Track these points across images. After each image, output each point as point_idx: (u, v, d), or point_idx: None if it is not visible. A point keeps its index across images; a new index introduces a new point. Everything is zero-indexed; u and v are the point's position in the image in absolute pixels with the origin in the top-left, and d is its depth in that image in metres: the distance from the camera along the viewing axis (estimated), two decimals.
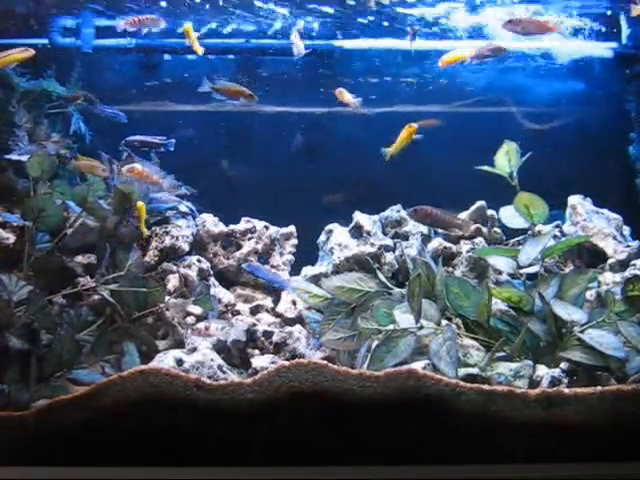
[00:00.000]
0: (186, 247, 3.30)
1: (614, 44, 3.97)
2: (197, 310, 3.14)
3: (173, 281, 3.19)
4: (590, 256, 3.31)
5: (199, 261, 3.30)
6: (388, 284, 2.94)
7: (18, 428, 2.25)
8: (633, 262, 3.16)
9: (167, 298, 3.10)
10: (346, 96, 3.29)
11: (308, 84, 3.58)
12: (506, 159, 3.05)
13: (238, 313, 3.23)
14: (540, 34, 3.23)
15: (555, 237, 3.28)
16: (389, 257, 3.25)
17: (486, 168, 3.07)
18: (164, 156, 3.37)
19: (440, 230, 3.21)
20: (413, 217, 3.06)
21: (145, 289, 2.97)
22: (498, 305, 2.85)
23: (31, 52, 3.02)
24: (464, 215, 3.45)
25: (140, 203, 3.04)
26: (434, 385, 2.21)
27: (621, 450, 2.22)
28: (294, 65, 3.70)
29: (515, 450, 2.23)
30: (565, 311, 2.65)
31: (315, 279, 3.18)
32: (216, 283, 3.31)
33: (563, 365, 2.57)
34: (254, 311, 3.26)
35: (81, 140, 3.57)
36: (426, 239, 3.37)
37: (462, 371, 2.49)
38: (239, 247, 3.43)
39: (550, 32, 3.20)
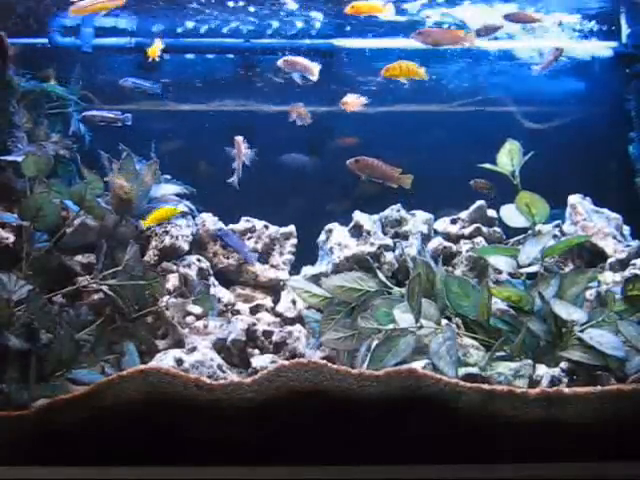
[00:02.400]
0: (186, 246, 3.30)
1: (614, 43, 3.96)
2: (197, 310, 3.14)
3: (173, 280, 3.19)
4: (590, 256, 3.31)
5: (199, 260, 3.30)
6: (388, 283, 2.93)
7: (18, 428, 2.25)
8: (633, 261, 3.15)
9: (167, 297, 3.10)
10: (351, 102, 3.22)
11: (307, 83, 3.57)
12: (508, 158, 3.05)
13: (238, 312, 3.22)
14: (451, 45, 3.25)
15: (555, 237, 3.28)
16: (389, 256, 3.25)
17: (488, 166, 3.07)
18: (164, 156, 3.37)
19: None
20: (353, 167, 3.05)
21: (144, 282, 2.97)
22: (498, 304, 2.85)
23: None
24: (464, 215, 3.45)
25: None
26: (434, 384, 2.21)
27: (621, 450, 2.22)
28: None
29: (515, 450, 2.23)
30: (565, 310, 2.64)
31: (315, 279, 3.18)
32: (216, 282, 3.31)
33: (563, 364, 2.57)
34: (254, 310, 3.26)
35: (80, 140, 3.56)
36: (426, 239, 3.37)
37: (462, 370, 2.49)
38: None
39: (462, 43, 3.21)
